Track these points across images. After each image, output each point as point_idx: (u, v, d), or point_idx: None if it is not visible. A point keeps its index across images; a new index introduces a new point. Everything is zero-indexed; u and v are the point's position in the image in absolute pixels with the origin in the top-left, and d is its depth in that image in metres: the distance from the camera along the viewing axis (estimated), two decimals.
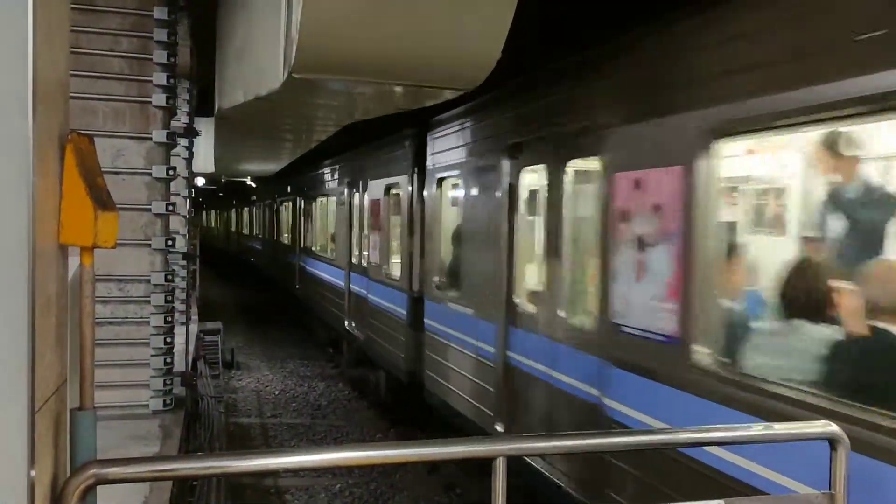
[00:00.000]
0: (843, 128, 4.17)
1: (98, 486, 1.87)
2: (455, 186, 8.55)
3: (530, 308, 6.47)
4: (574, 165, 5.89)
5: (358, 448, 3.15)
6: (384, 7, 4.03)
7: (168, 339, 6.18)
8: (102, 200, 1.99)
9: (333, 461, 2.79)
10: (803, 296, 4.03)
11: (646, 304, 4.70)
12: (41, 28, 1.57)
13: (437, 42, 4.26)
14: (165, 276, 6.12)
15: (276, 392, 14.11)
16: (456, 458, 2.32)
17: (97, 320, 2.29)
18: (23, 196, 1.53)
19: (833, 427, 2.45)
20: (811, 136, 4.51)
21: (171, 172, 6.19)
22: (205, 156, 13.52)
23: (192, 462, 2.42)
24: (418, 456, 2.70)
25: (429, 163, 9.21)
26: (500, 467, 2.20)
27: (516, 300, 6.65)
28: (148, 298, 6.07)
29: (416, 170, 9.85)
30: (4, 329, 1.51)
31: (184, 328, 9.00)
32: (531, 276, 6.60)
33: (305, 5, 3.93)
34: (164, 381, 6.14)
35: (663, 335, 4.52)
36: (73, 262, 2.16)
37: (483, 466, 2.27)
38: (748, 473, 3.82)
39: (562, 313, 5.90)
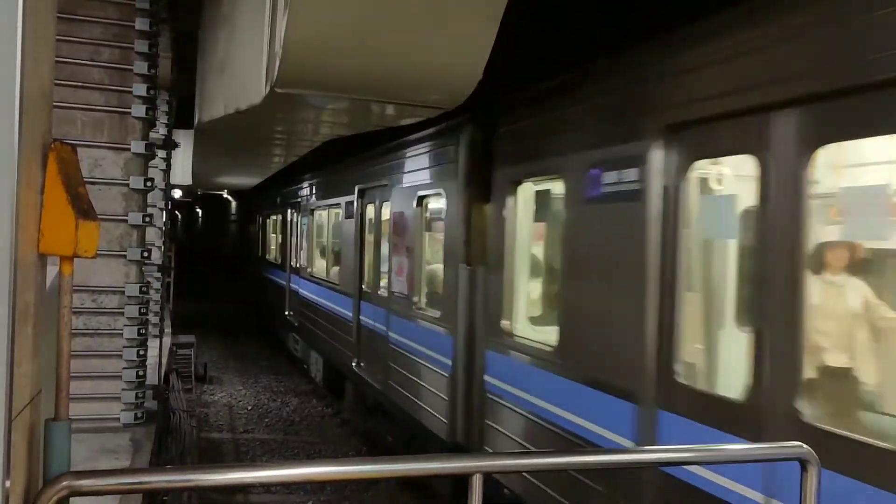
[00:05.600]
0: None
1: (70, 499, 1.85)
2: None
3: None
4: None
5: (332, 463, 3.11)
6: (369, 24, 4.06)
7: (141, 352, 6.11)
8: (84, 210, 1.98)
9: (308, 476, 2.78)
10: None
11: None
12: (29, 38, 1.58)
13: (420, 60, 4.30)
14: (140, 287, 6.06)
15: (249, 407, 13.98)
16: (432, 474, 2.32)
17: None
18: (6, 205, 1.53)
19: (804, 448, 2.49)
20: None
21: (148, 184, 6.15)
22: (182, 167, 13.45)
23: (167, 475, 2.40)
24: (394, 472, 2.71)
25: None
26: (477, 484, 2.21)
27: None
28: (122, 310, 6.00)
29: None
30: None
31: (157, 341, 8.90)
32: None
33: (290, 21, 3.95)
34: (136, 394, 6.07)
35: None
36: (49, 270, 2.15)
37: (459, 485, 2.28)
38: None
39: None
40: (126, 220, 5.98)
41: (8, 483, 1.60)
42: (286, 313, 17.26)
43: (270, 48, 4.35)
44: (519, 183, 6.44)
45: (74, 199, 1.94)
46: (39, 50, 1.80)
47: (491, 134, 6.92)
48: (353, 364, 11.26)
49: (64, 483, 1.82)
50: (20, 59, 1.52)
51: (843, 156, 3.95)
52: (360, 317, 11.07)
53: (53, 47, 2.07)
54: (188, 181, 14.86)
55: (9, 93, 1.51)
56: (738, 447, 3.13)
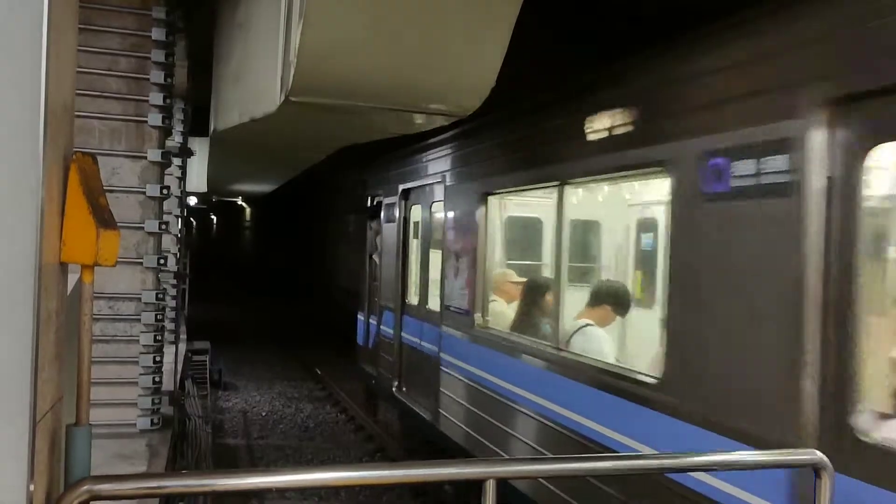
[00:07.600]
0: None
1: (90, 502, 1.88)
2: None
3: None
4: None
5: (346, 468, 3.14)
6: (383, 32, 4.10)
7: (157, 358, 6.15)
8: (104, 219, 2.02)
9: (322, 481, 2.81)
10: None
11: None
12: (53, 53, 1.62)
13: (434, 68, 4.33)
14: (156, 294, 6.11)
15: (264, 413, 14.04)
16: (446, 479, 2.34)
17: None
18: (31, 215, 1.57)
19: (818, 455, 2.49)
20: None
21: (164, 191, 6.20)
22: (198, 175, 13.57)
23: (186, 479, 2.44)
24: (409, 477, 2.72)
25: None
26: (491, 489, 2.23)
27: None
28: (138, 317, 6.04)
29: None
30: (10, 343, 1.54)
31: (172, 347, 8.97)
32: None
33: (305, 30, 3.99)
34: (153, 399, 6.10)
35: None
36: (70, 278, 2.19)
37: (473, 489, 2.29)
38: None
39: None
40: (143, 228, 6.02)
41: (32, 487, 1.63)
42: None
43: (285, 57, 4.39)
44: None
45: (95, 208, 1.98)
46: (62, 64, 1.85)
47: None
48: None
49: (85, 487, 1.85)
50: (45, 74, 1.56)
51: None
52: None
53: (75, 61, 2.12)
54: (203, 188, 14.98)
55: (34, 107, 1.55)
56: (749, 454, 3.13)
